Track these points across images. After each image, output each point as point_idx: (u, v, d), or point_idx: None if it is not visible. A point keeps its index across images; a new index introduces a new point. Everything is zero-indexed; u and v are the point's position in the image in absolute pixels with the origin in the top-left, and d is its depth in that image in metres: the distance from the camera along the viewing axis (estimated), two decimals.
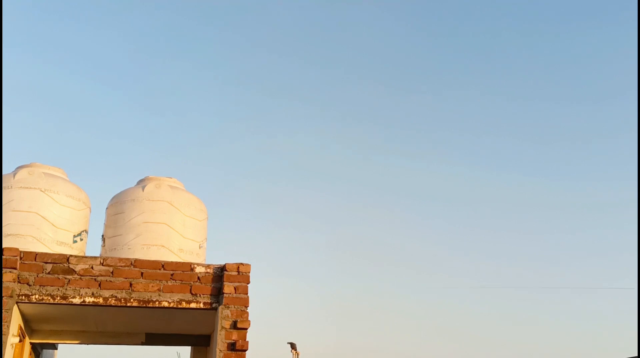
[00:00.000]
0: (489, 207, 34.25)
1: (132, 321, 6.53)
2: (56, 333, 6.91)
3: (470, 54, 32.67)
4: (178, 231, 6.55)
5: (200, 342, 7.23)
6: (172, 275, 5.88)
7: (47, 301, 5.56)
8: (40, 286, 5.57)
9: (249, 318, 5.86)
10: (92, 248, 6.71)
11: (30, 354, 6.79)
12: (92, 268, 5.72)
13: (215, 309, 5.92)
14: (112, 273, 5.75)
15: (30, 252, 5.66)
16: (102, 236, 6.75)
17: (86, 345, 7.24)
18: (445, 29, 32.74)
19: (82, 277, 5.68)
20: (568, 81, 32.85)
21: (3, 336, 5.31)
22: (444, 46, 33.12)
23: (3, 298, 5.37)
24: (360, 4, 32.33)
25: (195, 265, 6.00)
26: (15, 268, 5.49)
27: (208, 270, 6.00)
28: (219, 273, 5.99)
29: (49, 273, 5.62)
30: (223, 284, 5.91)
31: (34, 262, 5.61)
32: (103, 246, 6.67)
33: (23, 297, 5.51)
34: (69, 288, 5.63)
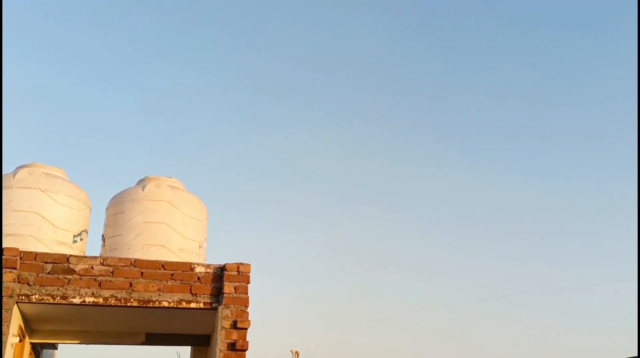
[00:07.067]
0: (487, 208, 34.26)
1: (132, 321, 6.53)
2: (56, 333, 6.91)
3: (468, 56, 32.69)
4: (178, 231, 6.55)
5: (200, 342, 7.23)
6: (172, 274, 5.88)
7: (47, 301, 5.56)
8: (40, 286, 5.58)
9: (249, 318, 5.86)
10: (92, 248, 6.72)
11: (30, 354, 6.79)
12: (92, 268, 5.72)
13: (215, 309, 5.92)
14: (112, 273, 5.75)
15: (30, 252, 5.66)
16: (102, 236, 6.75)
17: (86, 345, 7.25)
18: (443, 31, 32.75)
19: (82, 277, 5.68)
20: (568, 82, 32.86)
21: (3, 336, 5.31)
22: (442, 48, 33.13)
23: (3, 298, 5.37)
24: (358, 5, 32.34)
25: (195, 265, 6.00)
26: (15, 268, 5.49)
27: (208, 270, 6.00)
28: (219, 273, 5.99)
29: (49, 273, 5.62)
30: (223, 284, 5.91)
31: (34, 262, 5.62)
32: (103, 246, 6.67)
33: (23, 297, 5.51)
34: (69, 288, 5.63)
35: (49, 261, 5.66)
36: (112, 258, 5.86)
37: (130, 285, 5.76)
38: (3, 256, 5.48)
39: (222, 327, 5.78)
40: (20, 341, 6.06)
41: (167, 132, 32.59)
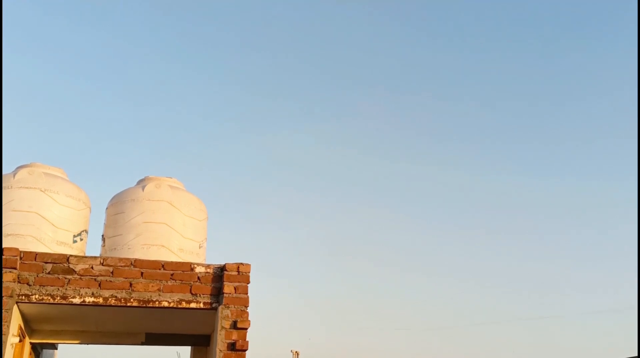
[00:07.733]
0: (487, 208, 34.26)
1: (132, 321, 6.53)
2: (56, 333, 6.91)
3: (468, 56, 32.68)
4: (178, 231, 6.55)
5: (200, 342, 7.23)
6: (172, 275, 5.88)
7: (47, 301, 5.56)
8: (40, 286, 5.57)
9: (249, 318, 5.86)
10: (92, 248, 6.71)
11: (30, 354, 6.79)
12: (92, 268, 5.72)
13: (215, 309, 5.92)
14: (112, 273, 5.75)
15: (30, 252, 5.66)
16: (102, 236, 6.74)
17: (86, 345, 7.25)
18: (443, 31, 32.75)
19: (82, 277, 5.68)
20: (568, 82, 32.86)
21: (3, 336, 5.31)
22: (442, 48, 33.13)
23: (3, 298, 5.37)
24: (357, 5, 32.35)
25: (195, 265, 6.00)
26: (15, 268, 5.49)
27: (208, 270, 6.00)
28: (219, 273, 5.99)
29: (49, 273, 5.62)
30: (223, 284, 5.91)
31: (34, 262, 5.61)
32: (103, 246, 6.67)
33: (23, 297, 5.51)
34: (69, 288, 5.62)
35: (49, 261, 5.65)
36: (112, 258, 5.85)
37: (130, 285, 5.76)
38: (3, 256, 5.47)
39: (222, 327, 5.78)
40: (20, 341, 6.06)
41: (167, 133, 32.62)
